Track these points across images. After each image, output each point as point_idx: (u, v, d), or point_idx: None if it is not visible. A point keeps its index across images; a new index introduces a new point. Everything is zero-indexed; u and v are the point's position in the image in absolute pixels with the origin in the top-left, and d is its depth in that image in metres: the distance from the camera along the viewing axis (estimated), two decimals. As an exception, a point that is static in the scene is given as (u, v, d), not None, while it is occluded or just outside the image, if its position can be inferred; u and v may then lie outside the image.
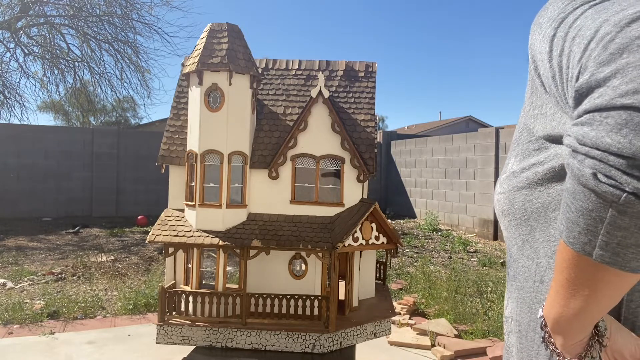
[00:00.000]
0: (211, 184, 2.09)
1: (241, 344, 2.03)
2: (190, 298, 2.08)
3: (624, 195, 0.54)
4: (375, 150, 2.15)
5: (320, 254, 2.00)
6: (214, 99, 2.05)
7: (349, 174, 2.15)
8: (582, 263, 0.61)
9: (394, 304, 3.89)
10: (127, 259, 7.30)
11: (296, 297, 2.06)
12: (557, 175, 0.73)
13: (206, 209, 2.08)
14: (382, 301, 2.37)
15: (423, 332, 4.39)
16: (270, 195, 2.18)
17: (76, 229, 9.89)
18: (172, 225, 2.12)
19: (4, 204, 11.23)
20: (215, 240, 2.02)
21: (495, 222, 9.35)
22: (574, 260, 0.62)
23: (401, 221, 12.16)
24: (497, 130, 10.12)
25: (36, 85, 13.45)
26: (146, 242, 2.12)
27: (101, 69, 12.01)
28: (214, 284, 2.10)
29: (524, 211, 0.77)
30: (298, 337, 2.01)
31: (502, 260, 7.34)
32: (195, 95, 2.09)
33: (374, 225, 2.11)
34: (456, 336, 4.30)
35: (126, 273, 6.46)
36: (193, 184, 2.11)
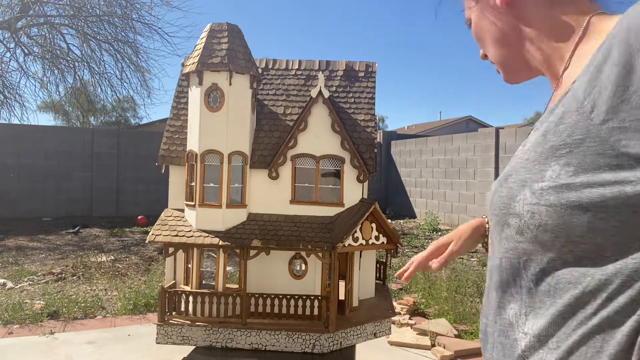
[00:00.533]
0: (211, 184, 2.09)
1: (241, 344, 2.03)
2: (190, 298, 2.08)
3: None
4: (375, 150, 2.15)
5: (320, 254, 2.00)
6: (214, 99, 2.05)
7: (349, 174, 2.15)
8: None
9: (394, 304, 3.89)
10: (127, 259, 7.30)
11: (296, 297, 2.06)
12: None
13: (206, 209, 2.08)
14: (382, 301, 2.37)
15: (423, 332, 4.39)
16: (270, 195, 2.17)
17: (76, 229, 9.89)
18: (172, 225, 2.12)
19: (4, 204, 11.23)
20: (215, 240, 2.02)
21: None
22: None
23: (401, 221, 12.16)
24: (497, 130, 10.12)
25: (36, 85, 13.45)
26: (146, 242, 2.12)
27: (101, 69, 12.02)
28: (214, 284, 2.10)
29: (594, 243, 0.69)
30: (298, 337, 2.01)
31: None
32: (195, 95, 2.09)
33: (374, 225, 2.11)
34: (456, 336, 4.30)
35: (126, 273, 6.46)
36: (193, 184, 2.11)
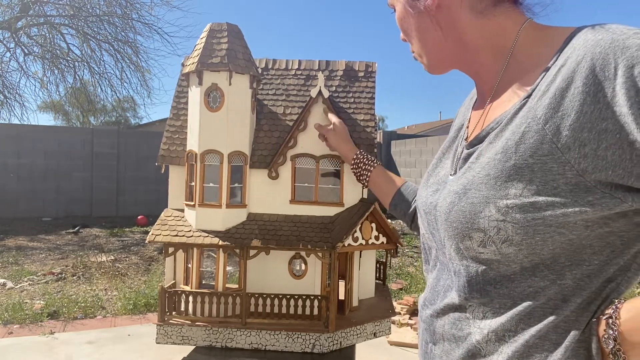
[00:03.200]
0: (211, 184, 2.09)
1: (241, 344, 2.03)
2: (190, 298, 2.08)
3: None
4: (375, 150, 2.15)
5: (320, 254, 2.00)
6: (213, 99, 2.05)
7: (349, 173, 2.14)
8: None
9: (394, 303, 3.89)
10: (127, 259, 7.30)
11: (296, 297, 2.06)
12: (608, 223, 0.73)
13: (206, 209, 2.08)
14: (382, 301, 2.37)
15: (423, 332, 4.39)
16: (270, 195, 2.17)
17: (76, 229, 9.88)
18: (172, 225, 2.12)
19: (4, 204, 11.22)
20: (215, 240, 2.02)
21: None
22: None
23: (401, 221, 12.14)
24: (497, 130, 10.11)
25: (36, 85, 13.45)
26: (146, 242, 2.12)
27: (101, 69, 12.01)
28: (213, 283, 2.10)
29: (552, 252, 0.76)
30: (298, 337, 2.01)
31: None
32: (195, 95, 2.09)
33: (373, 225, 2.11)
34: (456, 336, 4.30)
35: (126, 273, 6.46)
36: (193, 184, 2.11)
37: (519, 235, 0.76)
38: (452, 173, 0.96)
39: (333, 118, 2.07)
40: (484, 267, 0.83)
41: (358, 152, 1.84)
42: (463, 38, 0.95)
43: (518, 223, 0.76)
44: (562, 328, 0.76)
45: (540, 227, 0.75)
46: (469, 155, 0.92)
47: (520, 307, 0.79)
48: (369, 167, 1.76)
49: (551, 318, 0.77)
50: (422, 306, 1.03)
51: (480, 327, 0.84)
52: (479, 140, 0.90)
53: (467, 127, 1.02)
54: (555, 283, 0.77)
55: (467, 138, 0.98)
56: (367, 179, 1.76)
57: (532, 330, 0.77)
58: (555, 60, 0.78)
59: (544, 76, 0.79)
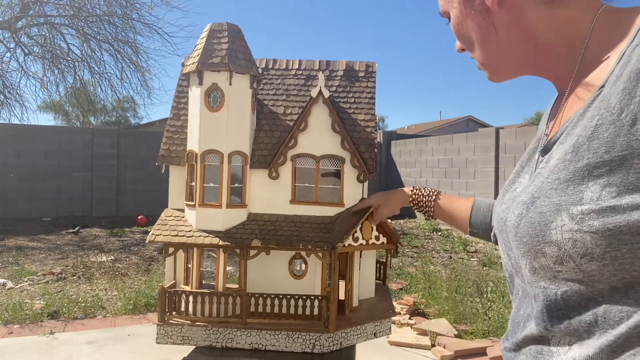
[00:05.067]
0: (211, 184, 2.09)
1: (241, 344, 2.03)
2: (190, 298, 2.08)
3: None
4: (376, 150, 2.15)
5: (320, 254, 2.00)
6: (214, 99, 2.05)
7: (349, 173, 2.14)
8: None
9: (394, 304, 3.89)
10: (127, 259, 7.30)
11: (296, 297, 2.06)
12: None
13: (206, 209, 2.08)
14: (382, 301, 2.37)
15: (423, 332, 4.39)
16: (270, 195, 2.17)
17: (76, 229, 9.89)
18: (172, 225, 2.12)
19: (4, 204, 11.23)
20: (215, 240, 2.02)
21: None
22: None
23: (401, 221, 12.15)
24: (497, 130, 10.12)
25: (36, 85, 13.46)
26: (146, 242, 2.12)
27: (101, 69, 12.03)
28: (214, 283, 2.10)
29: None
30: (298, 337, 2.01)
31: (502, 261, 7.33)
32: (195, 95, 2.09)
33: (374, 225, 2.11)
34: (456, 336, 4.30)
35: (126, 273, 6.46)
36: (193, 184, 2.11)
37: (600, 248, 0.64)
38: None
39: (366, 202, 2.03)
40: (564, 289, 0.71)
41: (411, 191, 1.76)
42: (531, 34, 0.84)
43: (597, 232, 0.64)
44: None
45: (626, 235, 0.62)
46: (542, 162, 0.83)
47: (611, 337, 0.66)
48: (430, 199, 1.68)
49: None
50: (503, 340, 0.91)
51: None
52: (552, 143, 0.80)
53: (546, 135, 0.91)
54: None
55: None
56: (432, 210, 1.67)
57: None
58: (632, 42, 0.68)
59: (619, 61, 0.69)
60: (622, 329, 0.65)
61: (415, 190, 1.75)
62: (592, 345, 0.68)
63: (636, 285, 0.65)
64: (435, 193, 1.69)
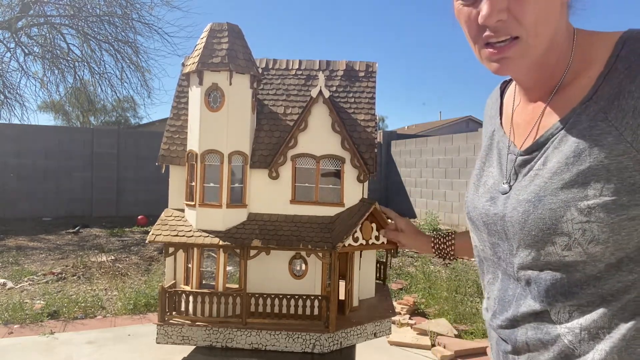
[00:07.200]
0: (211, 184, 2.09)
1: (241, 344, 2.03)
2: (191, 298, 2.08)
3: None
4: (376, 150, 2.15)
5: (320, 254, 2.00)
6: (214, 99, 2.05)
7: (349, 174, 2.14)
8: None
9: (394, 303, 3.89)
10: (127, 259, 7.30)
11: (296, 297, 2.06)
12: None
13: (206, 209, 2.08)
14: (382, 301, 2.37)
15: (423, 332, 4.39)
16: (270, 195, 2.17)
17: (76, 229, 9.89)
18: (172, 225, 2.12)
19: (4, 204, 11.23)
20: (216, 240, 2.02)
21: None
22: None
23: (401, 221, 12.13)
24: (497, 130, 10.10)
25: (36, 85, 13.47)
26: (146, 242, 2.12)
27: (101, 69, 12.03)
28: (214, 283, 2.10)
29: (636, 245, 0.78)
30: (298, 337, 2.01)
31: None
32: (195, 95, 2.09)
33: (374, 225, 2.11)
34: (456, 336, 4.31)
35: (126, 273, 6.46)
36: (193, 183, 2.11)
37: (605, 234, 0.78)
38: (506, 181, 0.96)
39: (397, 220, 2.04)
40: (568, 269, 0.83)
41: (432, 239, 1.81)
42: (556, 31, 0.88)
43: (603, 221, 0.77)
44: None
45: (624, 222, 0.77)
46: (526, 162, 0.92)
47: (612, 303, 0.80)
48: (450, 244, 1.73)
49: None
50: (491, 317, 1.03)
51: (570, 328, 0.84)
52: (538, 145, 0.90)
53: (512, 133, 1.01)
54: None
55: (521, 145, 0.96)
56: (453, 253, 1.74)
57: (628, 324, 0.78)
58: (614, 62, 0.81)
59: (605, 77, 0.82)
60: (620, 296, 0.79)
61: (434, 240, 1.80)
62: (596, 312, 0.80)
63: (626, 259, 0.79)
64: (453, 234, 1.73)
